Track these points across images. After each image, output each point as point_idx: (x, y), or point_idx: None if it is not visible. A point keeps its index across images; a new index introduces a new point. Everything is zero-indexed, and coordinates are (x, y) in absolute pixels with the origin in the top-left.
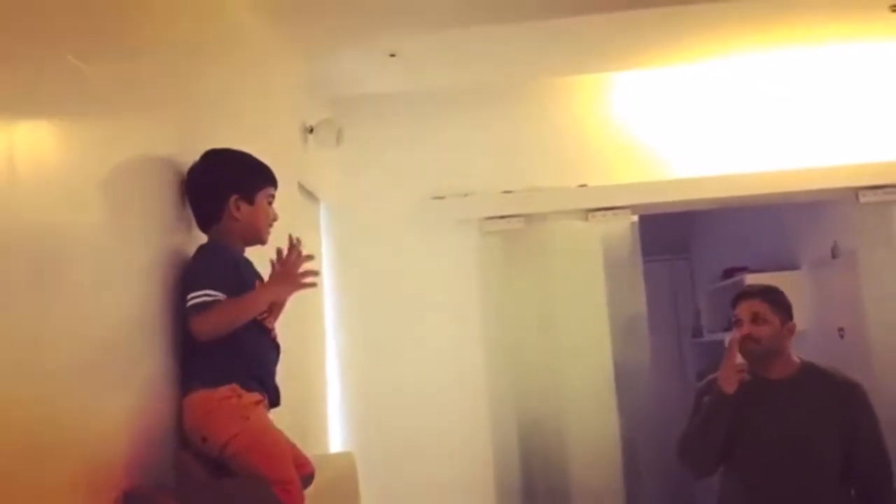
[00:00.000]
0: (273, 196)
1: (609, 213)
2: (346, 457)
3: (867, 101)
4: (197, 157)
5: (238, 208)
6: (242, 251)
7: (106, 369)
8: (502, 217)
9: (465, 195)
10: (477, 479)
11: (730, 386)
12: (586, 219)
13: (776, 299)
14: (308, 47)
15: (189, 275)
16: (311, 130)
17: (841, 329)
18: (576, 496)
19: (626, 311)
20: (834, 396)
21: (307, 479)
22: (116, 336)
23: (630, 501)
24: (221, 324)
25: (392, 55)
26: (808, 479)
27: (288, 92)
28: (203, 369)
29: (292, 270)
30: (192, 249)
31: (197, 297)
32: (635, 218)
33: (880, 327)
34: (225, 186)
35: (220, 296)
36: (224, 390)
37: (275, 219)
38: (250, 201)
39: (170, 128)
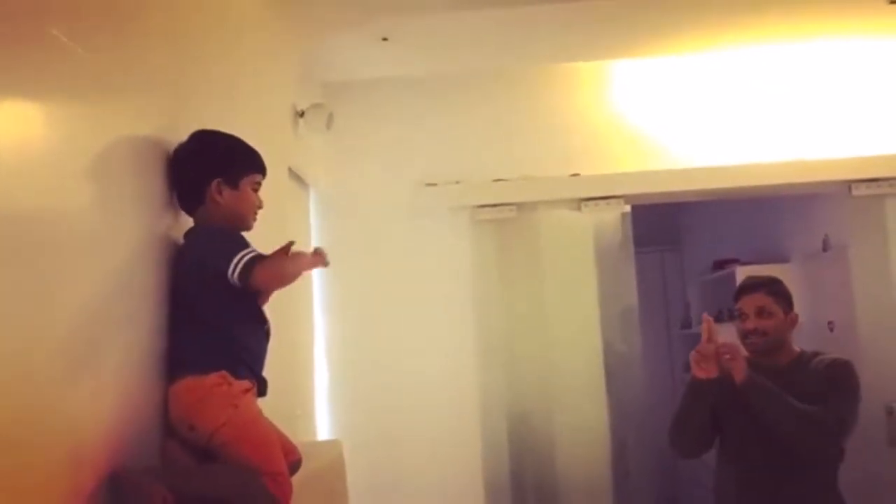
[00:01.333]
0: (259, 183)
1: (601, 202)
2: (333, 444)
3: (861, 94)
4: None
5: (220, 192)
6: None
7: (90, 355)
8: (494, 205)
9: (457, 182)
10: (465, 469)
11: (701, 371)
12: (579, 208)
13: (779, 291)
14: (300, 31)
15: (214, 248)
16: (302, 114)
17: (831, 322)
18: (564, 487)
19: (618, 302)
20: (819, 373)
21: (294, 466)
22: (101, 320)
23: (617, 493)
24: (280, 273)
25: (384, 39)
26: (801, 466)
27: (279, 75)
28: (192, 355)
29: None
30: (179, 233)
31: (247, 253)
32: (628, 208)
33: (870, 321)
34: (208, 169)
35: (254, 251)
36: (214, 377)
37: (259, 206)
38: (234, 186)
39: (159, 109)
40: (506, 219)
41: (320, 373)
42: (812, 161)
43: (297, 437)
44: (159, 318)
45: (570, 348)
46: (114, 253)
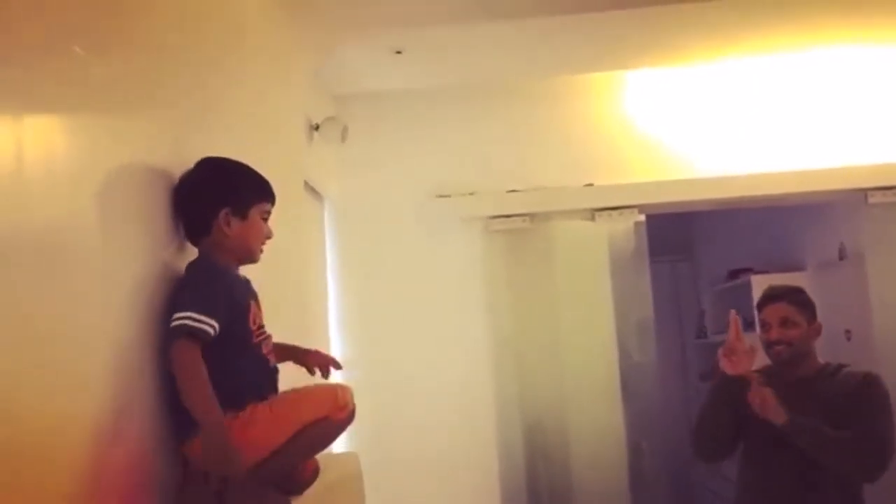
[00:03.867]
0: (269, 212)
1: (615, 212)
2: (350, 457)
3: (876, 102)
4: (200, 157)
5: (228, 223)
6: (236, 268)
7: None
8: (508, 216)
9: (471, 194)
10: (482, 477)
11: (730, 366)
12: (593, 218)
13: (802, 300)
14: (314, 44)
15: (181, 293)
16: (317, 128)
17: (848, 331)
18: (579, 496)
19: (633, 312)
20: (848, 387)
21: (312, 475)
22: (98, 358)
23: (633, 501)
24: (187, 384)
25: (398, 52)
26: (821, 473)
27: (293, 89)
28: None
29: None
30: (183, 263)
31: (185, 317)
32: (642, 217)
33: (887, 330)
34: (216, 199)
35: (208, 324)
36: (227, 420)
37: (269, 236)
38: (243, 217)
39: (172, 125)
40: (519, 229)
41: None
42: (828, 169)
43: None
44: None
45: (585, 358)
46: (116, 282)
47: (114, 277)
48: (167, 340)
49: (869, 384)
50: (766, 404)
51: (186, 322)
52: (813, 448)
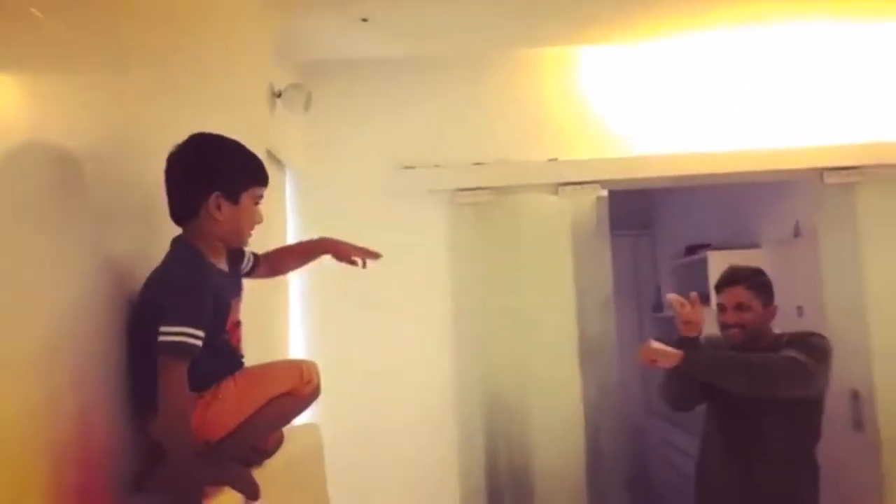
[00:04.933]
0: (261, 196)
1: (578, 187)
2: (311, 428)
3: (834, 82)
4: (160, 124)
5: (219, 207)
6: (221, 253)
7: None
8: (472, 189)
9: (436, 166)
10: (440, 450)
11: (688, 330)
12: (556, 192)
13: (759, 283)
14: (278, 9)
15: (171, 295)
16: (279, 95)
17: (800, 307)
18: (538, 469)
19: (594, 287)
20: (793, 338)
21: (276, 445)
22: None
23: (590, 473)
24: (171, 409)
25: (364, 20)
26: (779, 433)
27: (256, 54)
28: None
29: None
30: (159, 244)
31: (176, 332)
32: (605, 193)
33: (837, 307)
34: (207, 181)
35: (197, 337)
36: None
37: (259, 221)
38: (234, 201)
39: (131, 89)
40: (484, 202)
41: (296, 354)
42: (786, 149)
43: None
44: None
45: (546, 332)
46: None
47: (67, 248)
48: (156, 347)
49: (811, 334)
50: (658, 357)
51: (183, 340)
52: (715, 373)
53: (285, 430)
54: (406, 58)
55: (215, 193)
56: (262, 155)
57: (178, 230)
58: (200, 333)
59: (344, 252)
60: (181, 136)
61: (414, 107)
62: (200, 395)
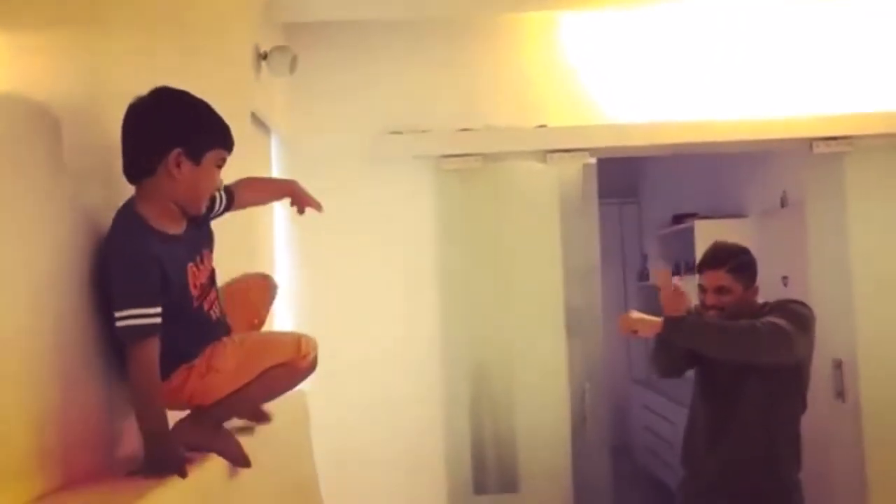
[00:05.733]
0: (224, 160)
1: (566, 154)
2: (297, 396)
3: (824, 53)
4: (142, 83)
5: (178, 165)
6: (174, 217)
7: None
8: (459, 155)
9: (423, 131)
10: (426, 417)
11: (673, 310)
12: (544, 160)
13: (742, 265)
14: None
15: (119, 277)
16: (265, 57)
17: (785, 277)
18: (523, 435)
19: (580, 255)
20: (775, 305)
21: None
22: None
23: (574, 440)
24: (142, 387)
25: None
26: (759, 400)
27: (241, 14)
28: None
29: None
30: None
31: (129, 316)
32: (593, 160)
33: (822, 277)
34: (170, 136)
35: (153, 314)
36: (176, 380)
37: (218, 188)
38: (196, 160)
39: (114, 47)
40: (471, 169)
41: (283, 324)
42: (775, 119)
43: None
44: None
45: (532, 299)
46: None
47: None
48: (117, 334)
49: (793, 301)
50: (638, 327)
51: (135, 322)
52: (697, 340)
53: None
54: (394, 21)
55: (177, 150)
56: (246, 118)
57: None
58: (154, 310)
59: (304, 200)
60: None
61: (401, 71)
62: (191, 365)
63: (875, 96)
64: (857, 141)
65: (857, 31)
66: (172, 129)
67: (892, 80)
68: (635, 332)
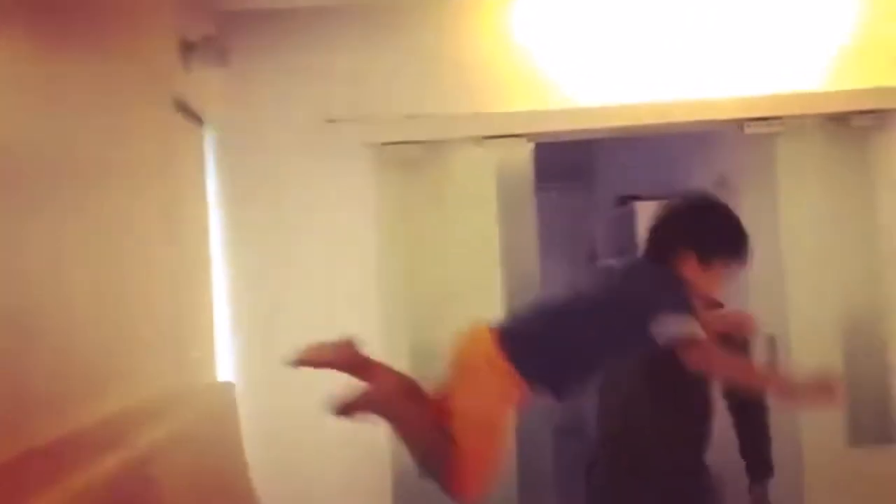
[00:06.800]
0: (730, 269)
1: (504, 140)
2: (225, 387)
3: (756, 33)
4: (45, 80)
5: (688, 264)
6: None
7: None
8: (398, 143)
9: (360, 120)
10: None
11: None
12: (481, 146)
13: None
14: None
15: (656, 292)
16: (193, 47)
17: None
18: None
19: (519, 239)
20: None
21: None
22: None
23: (518, 424)
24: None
25: None
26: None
27: (161, 4)
28: None
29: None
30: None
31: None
32: (531, 146)
33: (756, 258)
34: (686, 240)
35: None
36: None
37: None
38: (706, 267)
39: (19, 33)
40: (410, 156)
41: (220, 316)
42: (707, 99)
43: (195, 380)
44: None
45: (472, 287)
46: None
47: None
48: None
49: None
50: None
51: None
52: None
53: (199, 389)
54: (329, 7)
55: (691, 253)
56: (171, 107)
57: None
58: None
59: None
60: (74, 84)
61: (337, 59)
62: None
63: (806, 77)
64: (789, 121)
65: (788, 12)
66: (691, 235)
67: (823, 61)
68: None
